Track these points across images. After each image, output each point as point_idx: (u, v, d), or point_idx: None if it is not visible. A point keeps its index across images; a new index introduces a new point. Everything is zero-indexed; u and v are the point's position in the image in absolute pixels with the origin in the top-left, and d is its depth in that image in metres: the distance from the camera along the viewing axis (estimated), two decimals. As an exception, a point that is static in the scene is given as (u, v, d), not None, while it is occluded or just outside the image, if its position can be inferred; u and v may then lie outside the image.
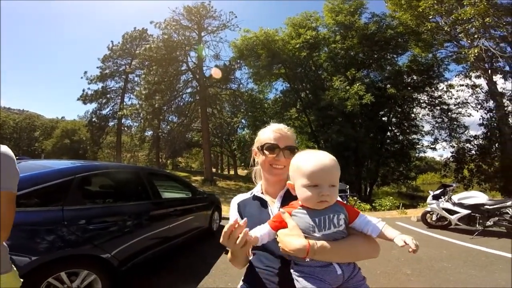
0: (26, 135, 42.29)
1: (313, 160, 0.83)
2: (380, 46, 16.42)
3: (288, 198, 1.00)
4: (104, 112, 28.33)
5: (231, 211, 1.16)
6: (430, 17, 13.34)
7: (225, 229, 0.80)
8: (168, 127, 25.21)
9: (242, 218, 1.07)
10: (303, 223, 0.83)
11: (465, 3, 11.24)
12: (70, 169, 2.54)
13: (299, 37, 16.30)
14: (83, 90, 26.67)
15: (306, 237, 0.81)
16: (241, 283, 1.08)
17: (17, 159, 2.85)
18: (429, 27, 13.28)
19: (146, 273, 3.04)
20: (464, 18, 11.36)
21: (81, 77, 26.60)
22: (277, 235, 0.87)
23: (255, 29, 17.05)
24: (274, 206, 1.03)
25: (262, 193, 1.10)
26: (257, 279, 0.98)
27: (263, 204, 1.07)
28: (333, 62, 16.96)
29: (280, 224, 0.87)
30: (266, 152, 1.02)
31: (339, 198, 0.91)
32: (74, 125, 38.27)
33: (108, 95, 27.69)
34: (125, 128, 29.84)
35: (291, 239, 0.81)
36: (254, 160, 1.14)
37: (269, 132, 1.06)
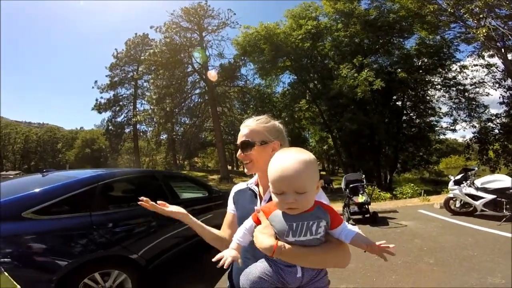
0: (50, 147, 44.24)
1: (275, 166, 0.81)
2: (385, 31, 16.00)
3: None
4: (119, 119, 29.09)
5: (229, 200, 1.23)
6: (432, -2, 12.90)
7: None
8: (182, 129, 25.67)
9: (235, 208, 1.17)
10: (279, 225, 0.82)
11: None
12: (93, 177, 2.72)
13: (300, 28, 16.10)
14: (96, 100, 27.50)
15: (277, 239, 0.81)
16: (227, 282, 1.11)
17: (44, 171, 3.06)
18: (432, 9, 12.88)
19: (171, 271, 3.19)
20: None
21: (92, 87, 27.44)
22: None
23: (254, 25, 17.02)
24: (263, 200, 1.06)
25: (256, 184, 1.13)
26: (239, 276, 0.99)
27: (255, 196, 1.10)
28: (338, 51, 16.61)
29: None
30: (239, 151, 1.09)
31: (325, 201, 0.90)
32: (93, 135, 39.63)
33: (121, 103, 28.31)
34: (141, 134, 30.57)
35: (262, 237, 0.83)
36: None
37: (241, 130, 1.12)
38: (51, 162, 40.64)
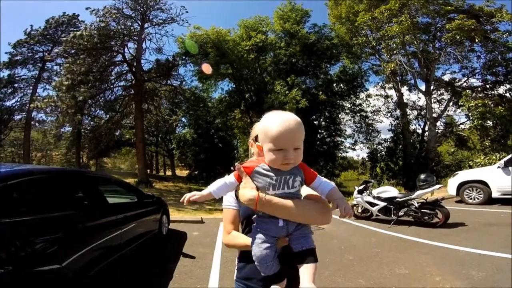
0: None
1: (278, 124, 0.84)
2: (318, 55, 18.13)
3: None
4: (8, 103, 23.20)
5: (229, 194, 1.13)
6: (363, 31, 15.27)
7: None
8: (92, 122, 22.31)
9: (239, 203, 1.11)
10: (261, 181, 0.89)
11: (393, 21, 13.07)
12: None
13: (249, 39, 16.80)
14: (-17, 78, 21.52)
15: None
16: (236, 261, 1.14)
17: None
18: (360, 41, 15.07)
19: (109, 284, 2.81)
20: (389, 35, 13.19)
21: (-17, 64, 21.47)
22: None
23: (206, 26, 16.90)
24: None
25: None
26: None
27: None
28: (276, 67, 17.92)
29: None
30: None
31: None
32: (-37, 118, 30.02)
33: (16, 85, 22.79)
34: (36, 123, 25.06)
35: (245, 191, 0.89)
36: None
37: None
38: None
